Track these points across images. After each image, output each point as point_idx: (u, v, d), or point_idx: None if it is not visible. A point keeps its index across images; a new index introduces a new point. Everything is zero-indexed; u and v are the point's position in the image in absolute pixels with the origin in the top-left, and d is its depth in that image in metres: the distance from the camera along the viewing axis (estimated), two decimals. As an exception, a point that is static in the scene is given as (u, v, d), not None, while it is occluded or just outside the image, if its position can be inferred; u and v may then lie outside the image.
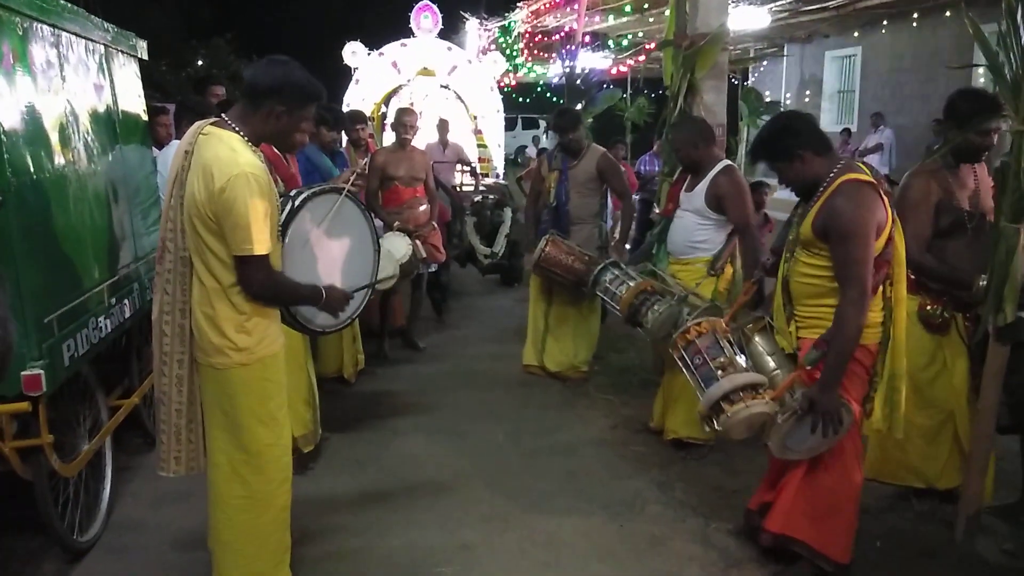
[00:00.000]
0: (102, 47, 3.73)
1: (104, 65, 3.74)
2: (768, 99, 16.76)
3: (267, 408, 2.68)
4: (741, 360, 3.04)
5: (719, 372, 2.96)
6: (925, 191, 3.36)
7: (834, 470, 2.96)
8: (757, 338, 3.10)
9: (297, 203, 2.78)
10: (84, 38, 3.51)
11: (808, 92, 16.73)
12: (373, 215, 5.32)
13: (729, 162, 4.21)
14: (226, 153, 2.44)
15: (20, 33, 2.88)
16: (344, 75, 11.68)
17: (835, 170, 2.81)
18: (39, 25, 3.04)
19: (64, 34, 3.28)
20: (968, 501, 3.30)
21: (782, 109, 14.95)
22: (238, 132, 2.53)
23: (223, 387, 2.62)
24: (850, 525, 3.01)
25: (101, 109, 3.64)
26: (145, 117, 4.37)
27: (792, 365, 2.97)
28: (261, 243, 2.45)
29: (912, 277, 3.27)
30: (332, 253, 2.96)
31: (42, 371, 2.75)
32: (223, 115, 2.58)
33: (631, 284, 4.20)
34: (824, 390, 2.74)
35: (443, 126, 9.13)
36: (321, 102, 2.68)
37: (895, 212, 2.83)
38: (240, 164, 2.42)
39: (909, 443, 3.45)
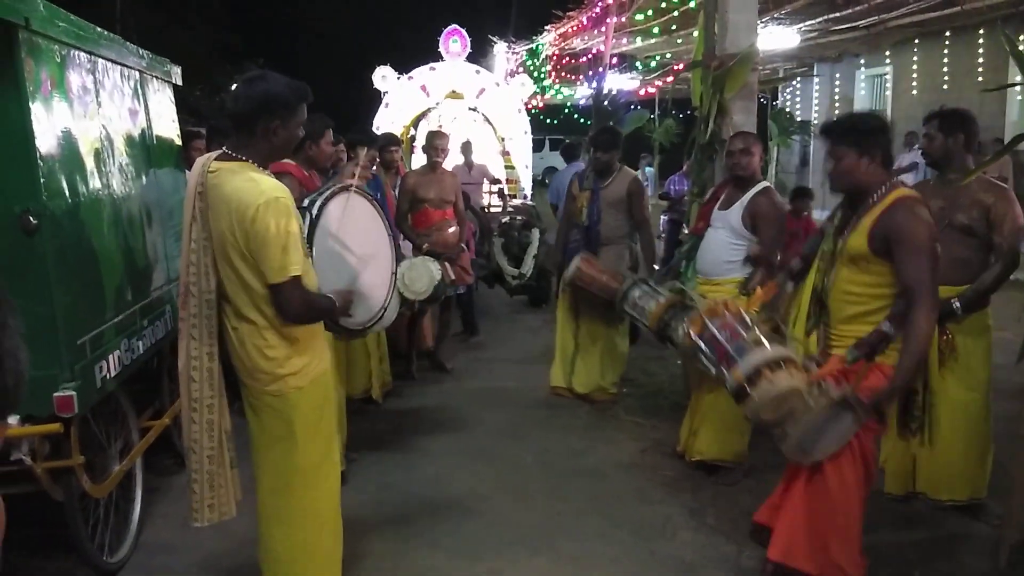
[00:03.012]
0: (137, 73, 3.81)
1: (139, 91, 3.82)
2: (798, 119, 16.65)
3: (320, 426, 2.72)
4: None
5: (754, 345, 2.86)
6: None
7: (832, 491, 2.86)
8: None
9: (315, 213, 2.78)
10: (120, 64, 3.58)
11: (839, 112, 16.59)
12: (403, 237, 5.37)
13: (767, 183, 4.18)
14: (245, 184, 2.44)
15: (58, 60, 2.94)
16: (374, 99, 11.82)
17: (885, 186, 2.79)
18: (76, 52, 3.11)
19: (100, 61, 3.35)
20: (1012, 529, 3.20)
21: (813, 129, 14.83)
22: (246, 160, 2.51)
23: (279, 412, 2.63)
24: (853, 550, 2.91)
25: (136, 134, 3.70)
26: (179, 141, 4.44)
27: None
28: (296, 264, 2.45)
29: None
30: (355, 250, 2.95)
31: (74, 392, 2.77)
32: (224, 148, 2.56)
33: (661, 299, 4.18)
34: (892, 395, 2.74)
35: (467, 147, 9.16)
36: (308, 100, 2.62)
37: None
38: (264, 191, 2.41)
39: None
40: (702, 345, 3.04)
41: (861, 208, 2.82)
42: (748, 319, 2.99)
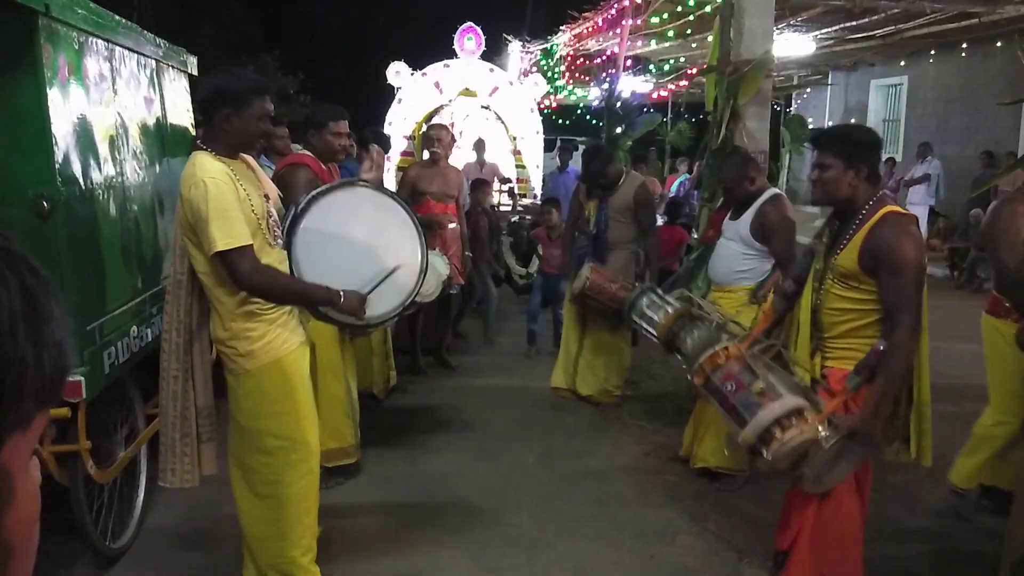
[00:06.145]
0: (153, 62, 3.82)
1: (155, 79, 3.83)
2: (811, 126, 16.60)
3: (258, 416, 2.73)
4: (781, 387, 2.95)
5: (759, 398, 2.86)
6: (1012, 208, 3.51)
7: (835, 520, 2.89)
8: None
9: (304, 203, 2.80)
10: (136, 53, 3.59)
11: (853, 120, 16.51)
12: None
13: (777, 191, 4.15)
14: (189, 170, 2.59)
15: (76, 47, 2.96)
16: (387, 94, 11.83)
17: (872, 201, 2.77)
18: (94, 39, 3.13)
19: (118, 48, 3.37)
20: (1014, 545, 3.18)
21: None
22: (207, 150, 2.64)
23: (234, 392, 2.75)
24: (856, 572, 2.92)
25: (150, 122, 3.72)
26: (193, 131, 4.46)
27: (804, 394, 2.89)
28: (230, 238, 2.50)
29: (1007, 304, 3.47)
30: (366, 246, 2.93)
31: (82, 378, 2.79)
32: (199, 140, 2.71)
33: (669, 310, 4.15)
34: (872, 417, 2.69)
35: (480, 145, 9.17)
36: (267, 93, 2.70)
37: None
38: (197, 175, 2.54)
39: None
40: (708, 395, 3.05)
41: (850, 226, 2.80)
42: (752, 366, 2.95)
